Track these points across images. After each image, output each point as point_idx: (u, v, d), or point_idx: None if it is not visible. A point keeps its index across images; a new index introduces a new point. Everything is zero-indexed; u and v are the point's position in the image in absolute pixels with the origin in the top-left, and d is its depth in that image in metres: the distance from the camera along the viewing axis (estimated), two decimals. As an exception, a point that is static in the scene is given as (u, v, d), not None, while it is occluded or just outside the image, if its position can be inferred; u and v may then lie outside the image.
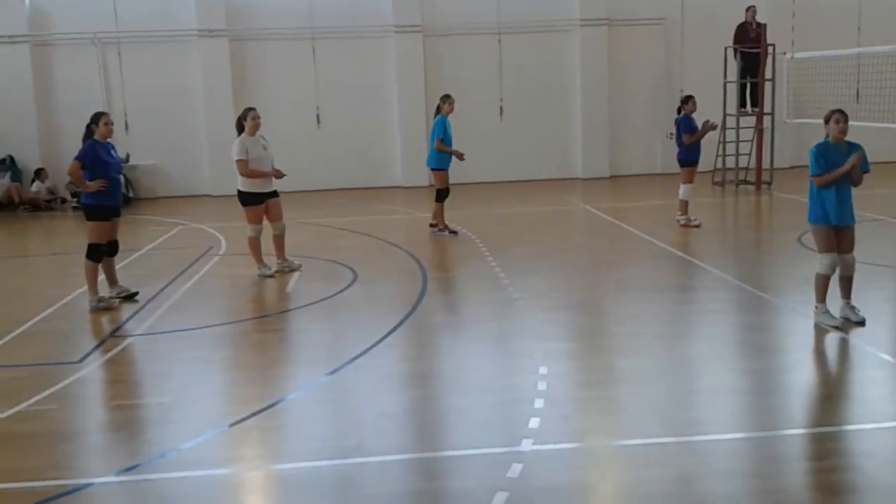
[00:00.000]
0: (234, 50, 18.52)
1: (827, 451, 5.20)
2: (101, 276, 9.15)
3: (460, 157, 12.43)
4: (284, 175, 10.28)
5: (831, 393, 6.28)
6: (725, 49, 17.09)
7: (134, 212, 16.21)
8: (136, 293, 9.36)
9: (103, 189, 8.76)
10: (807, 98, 16.20)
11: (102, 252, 8.98)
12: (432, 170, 12.65)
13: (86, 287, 9.06)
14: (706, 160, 15.05)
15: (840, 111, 7.39)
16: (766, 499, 4.54)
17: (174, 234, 13.87)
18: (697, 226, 12.57)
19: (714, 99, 16.96)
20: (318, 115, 18.98)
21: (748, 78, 16.88)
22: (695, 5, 19.36)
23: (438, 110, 12.48)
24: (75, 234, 13.40)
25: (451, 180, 12.66)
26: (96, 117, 8.90)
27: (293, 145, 16.98)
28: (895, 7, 19.39)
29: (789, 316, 8.02)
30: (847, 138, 7.43)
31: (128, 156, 15.96)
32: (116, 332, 8.18)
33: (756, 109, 16.90)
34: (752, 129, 17.13)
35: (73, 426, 5.99)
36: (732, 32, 16.98)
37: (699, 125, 12.49)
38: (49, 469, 5.14)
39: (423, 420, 5.87)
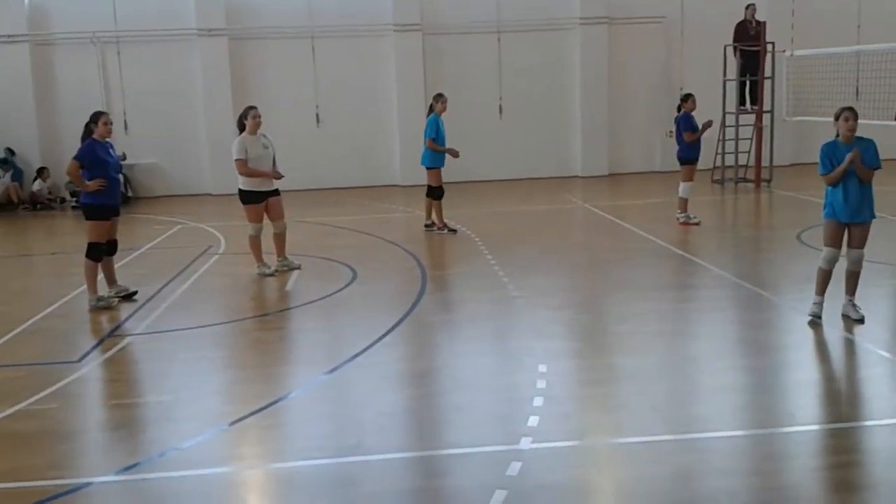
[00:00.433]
0: (234, 49, 18.52)
1: (826, 448, 5.20)
2: (100, 276, 9.16)
3: (455, 154, 12.45)
4: (283, 176, 10.29)
5: (830, 390, 6.29)
6: (725, 47, 17.09)
7: (133, 211, 16.22)
8: (136, 292, 9.37)
9: (102, 188, 8.76)
10: (806, 96, 16.22)
11: (102, 251, 8.99)
12: (426, 168, 12.67)
13: (85, 286, 9.07)
14: (706, 158, 15.05)
15: (850, 109, 7.38)
16: (766, 496, 4.53)
17: (173, 233, 13.87)
18: (697, 223, 12.58)
19: (713, 97, 16.96)
20: (317, 114, 18.97)
21: (748, 76, 16.89)
22: (694, 3, 19.36)
23: (431, 109, 12.52)
24: (75, 233, 13.41)
25: (451, 179, 12.68)
26: (95, 117, 8.91)
27: (293, 144, 16.94)
28: (895, 5, 19.38)
29: (788, 313, 8.02)
30: None
31: (124, 155, 15.96)
32: (116, 332, 8.18)
33: (755, 107, 16.91)
34: (751, 127, 17.14)
35: (72, 425, 5.99)
36: (732, 30, 17.00)
37: (699, 123, 12.49)
38: (49, 468, 5.15)
39: (422, 418, 5.87)
